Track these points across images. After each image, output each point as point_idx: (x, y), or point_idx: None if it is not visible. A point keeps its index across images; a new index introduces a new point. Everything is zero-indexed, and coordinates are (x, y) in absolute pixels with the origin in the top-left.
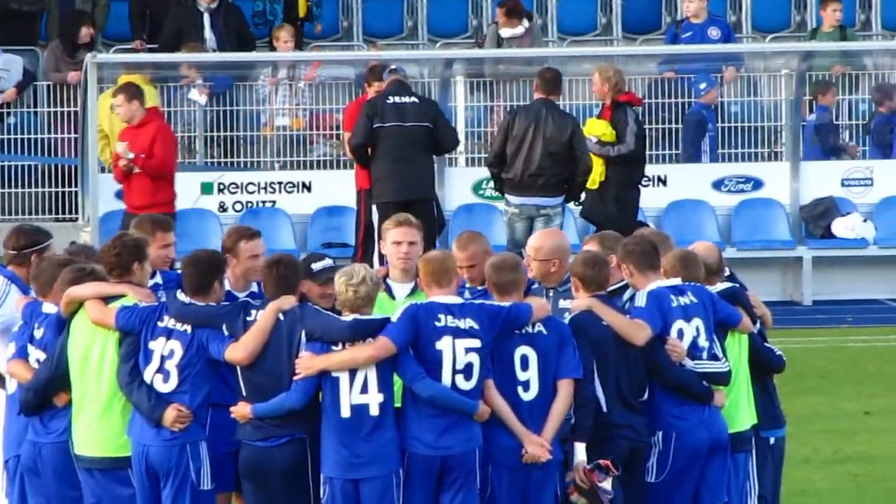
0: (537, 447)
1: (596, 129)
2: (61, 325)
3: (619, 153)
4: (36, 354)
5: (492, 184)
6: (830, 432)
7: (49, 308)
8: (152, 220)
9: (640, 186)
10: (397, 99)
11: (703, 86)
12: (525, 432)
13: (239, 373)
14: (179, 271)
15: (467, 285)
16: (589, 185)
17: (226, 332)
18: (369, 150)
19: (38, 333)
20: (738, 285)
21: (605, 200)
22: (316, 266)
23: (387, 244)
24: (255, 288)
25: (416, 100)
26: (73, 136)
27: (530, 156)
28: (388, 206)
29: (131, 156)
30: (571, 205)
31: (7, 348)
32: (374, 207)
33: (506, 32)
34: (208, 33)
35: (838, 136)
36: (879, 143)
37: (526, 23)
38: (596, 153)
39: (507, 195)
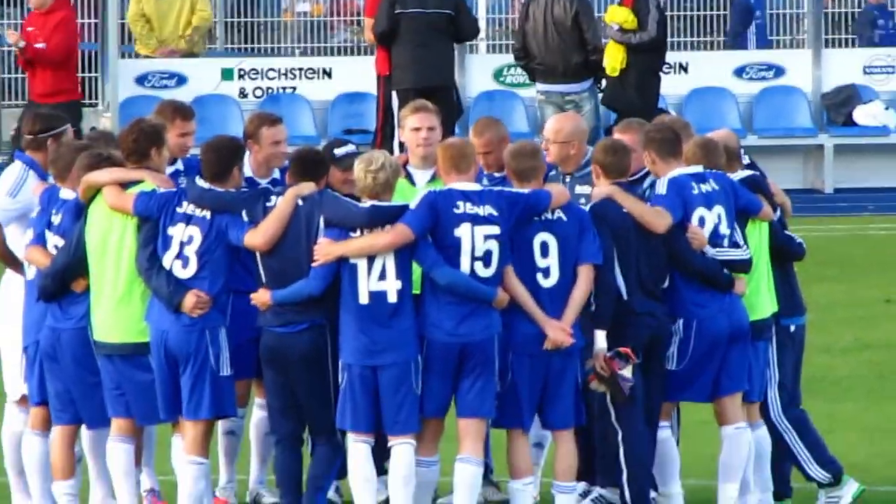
0: (558, 332)
1: (617, 16)
2: (79, 211)
3: (640, 40)
4: (54, 240)
5: (512, 70)
6: (851, 320)
7: (67, 194)
8: (174, 106)
9: (660, 74)
10: None
11: None
12: (545, 318)
13: (258, 258)
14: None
15: (485, 172)
16: (609, 72)
17: (245, 218)
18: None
19: (55, 219)
20: (758, 173)
21: (625, 87)
22: (339, 151)
23: (405, 131)
24: (276, 175)
25: None
26: (93, 21)
27: (546, 43)
28: (408, 92)
29: (22, 44)
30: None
31: (25, 234)
32: (393, 94)
33: None
34: None
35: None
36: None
37: None
38: (618, 40)
39: (536, 82)
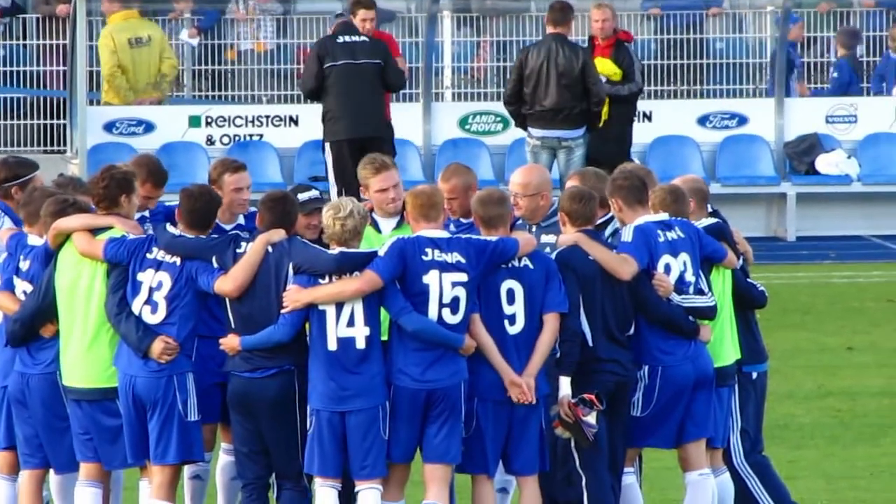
0: (516, 389)
1: (605, 69)
2: (48, 257)
3: (630, 91)
4: (22, 286)
5: (478, 117)
6: (813, 367)
7: (35, 240)
8: (148, 170)
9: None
10: (347, 38)
11: None
12: (507, 370)
13: (228, 305)
14: (167, 203)
15: (451, 218)
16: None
17: (215, 265)
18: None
19: (24, 265)
20: (722, 220)
21: (607, 139)
22: (302, 196)
23: (370, 192)
24: (241, 220)
25: (365, 38)
26: (61, 68)
27: (547, 91)
28: (341, 143)
29: None
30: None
31: None
32: (326, 146)
33: None
34: None
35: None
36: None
37: None
38: (607, 93)
39: (529, 128)
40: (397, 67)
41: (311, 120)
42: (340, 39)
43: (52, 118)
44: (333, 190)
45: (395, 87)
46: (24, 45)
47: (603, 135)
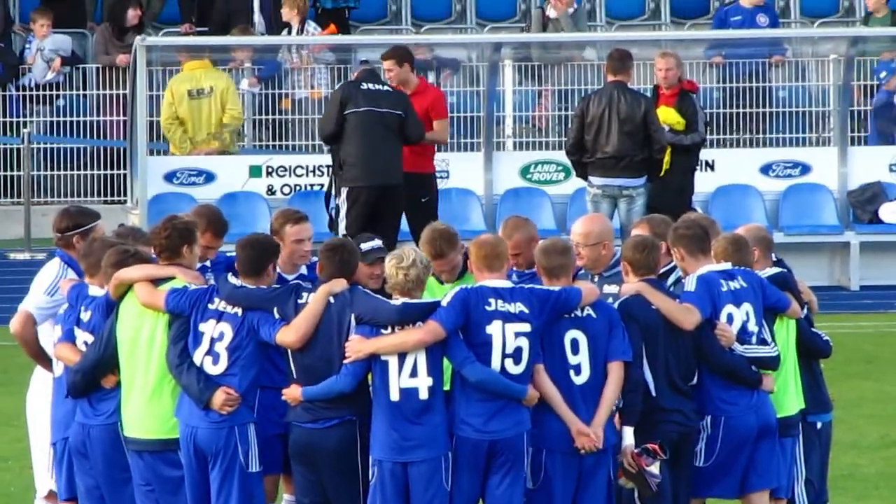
0: (585, 439)
1: (669, 118)
2: (109, 308)
3: (693, 142)
4: (83, 337)
5: (540, 166)
6: (878, 417)
7: (95, 291)
8: (208, 220)
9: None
10: (371, 86)
11: (883, 74)
12: (574, 420)
13: (290, 356)
14: (228, 254)
15: (514, 269)
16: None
17: (277, 315)
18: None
19: (84, 316)
20: (786, 270)
21: (668, 189)
22: (365, 246)
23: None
24: (303, 270)
25: (388, 88)
26: (121, 118)
27: (608, 139)
28: (361, 189)
29: None
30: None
31: (55, 331)
32: (343, 191)
33: (552, 13)
34: (257, 17)
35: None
36: (880, 129)
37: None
38: (669, 142)
39: (590, 177)
40: (417, 120)
41: None
42: (364, 86)
43: (112, 168)
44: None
45: (414, 139)
46: (85, 95)
47: (664, 184)
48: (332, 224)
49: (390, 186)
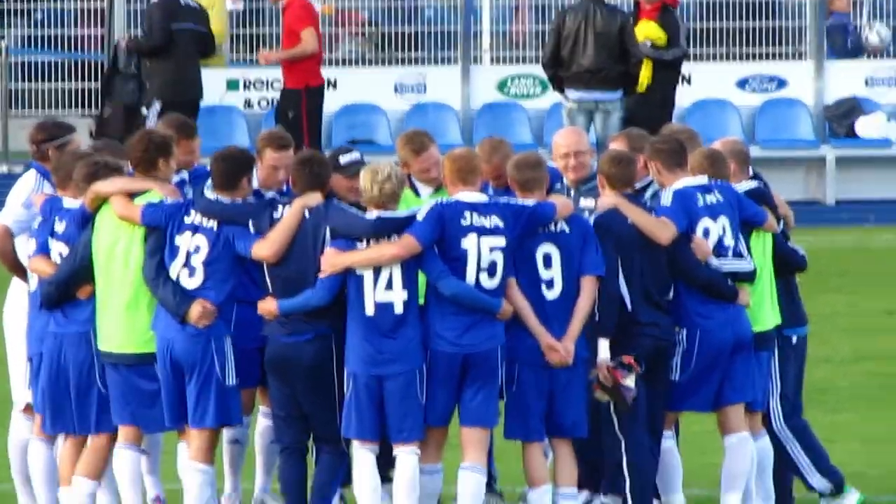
0: (554, 353)
1: (651, 33)
2: (85, 220)
3: (674, 56)
4: (58, 248)
5: (517, 81)
6: (852, 331)
7: (70, 202)
8: (176, 126)
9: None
10: (187, 2)
11: None
12: (544, 334)
13: (265, 269)
14: (207, 167)
15: (491, 188)
16: (637, 87)
17: (252, 229)
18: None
19: (59, 227)
20: (762, 184)
21: (650, 103)
22: (344, 159)
23: (412, 172)
24: (282, 187)
25: (196, 5)
26: (99, 31)
27: (585, 52)
28: (174, 105)
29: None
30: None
31: (29, 244)
32: (156, 103)
33: None
34: None
35: (853, 37)
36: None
37: None
38: (651, 56)
39: (566, 90)
40: (213, 37)
41: (349, 83)
42: (183, 2)
43: (89, 81)
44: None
45: (211, 53)
46: (62, 9)
47: (646, 99)
48: (111, 133)
49: (194, 101)
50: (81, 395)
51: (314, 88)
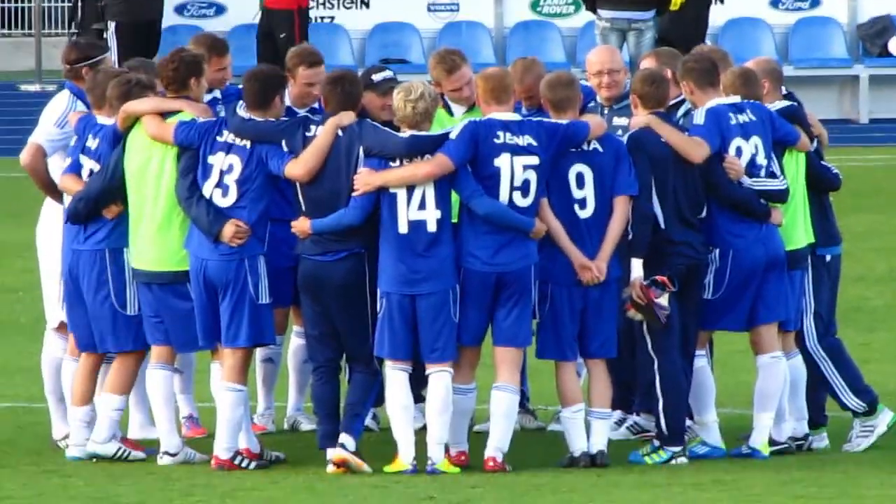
0: (587, 272)
1: None
2: (117, 138)
3: None
4: (89, 165)
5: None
6: (887, 250)
7: (104, 120)
8: (208, 44)
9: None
10: None
11: None
12: (576, 253)
13: (298, 188)
14: (239, 86)
15: (524, 107)
16: (672, 6)
17: (285, 148)
18: None
19: (91, 144)
20: (796, 103)
21: (685, 21)
22: (377, 77)
23: (444, 90)
24: (315, 104)
25: None
26: None
27: None
28: (127, 26)
29: None
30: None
31: (63, 162)
32: (112, 24)
33: None
34: None
35: None
36: None
37: None
38: None
39: (598, 10)
40: None
41: (382, 2)
42: None
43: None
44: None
45: None
46: None
47: (679, 18)
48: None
49: (152, 21)
50: (95, 314)
51: (305, 9)
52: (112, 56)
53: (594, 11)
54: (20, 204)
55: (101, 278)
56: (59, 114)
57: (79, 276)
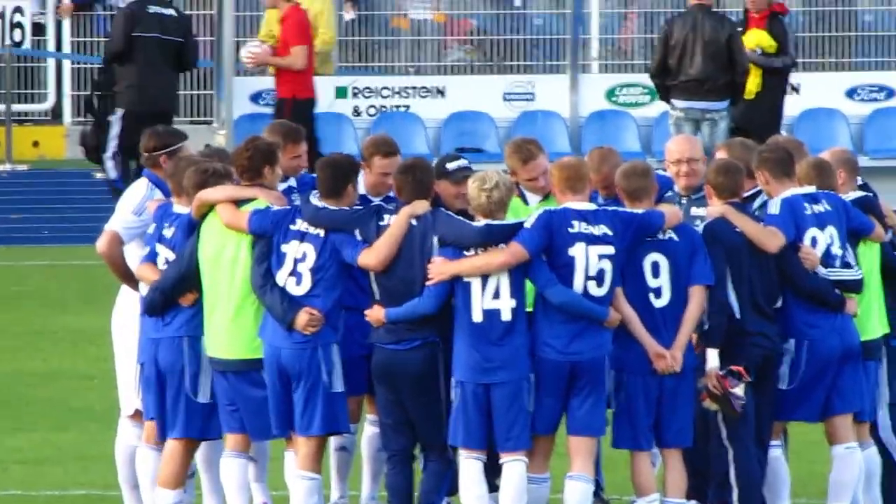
0: (662, 361)
1: (761, 41)
2: (192, 227)
3: (784, 64)
4: (165, 253)
5: (625, 89)
6: None
7: (181, 209)
8: (283, 131)
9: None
10: (158, 9)
11: None
12: (651, 342)
13: (372, 278)
14: (314, 175)
15: (600, 197)
16: (746, 95)
17: (358, 237)
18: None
19: (167, 233)
20: (871, 194)
21: (758, 111)
22: (451, 165)
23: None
24: (390, 193)
25: (174, 13)
26: (208, 38)
27: (692, 62)
28: (134, 114)
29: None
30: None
31: (141, 251)
32: (118, 112)
33: None
34: None
35: None
36: None
37: None
38: (761, 64)
39: (672, 100)
40: (195, 44)
41: (457, 91)
42: (151, 10)
43: (199, 88)
44: (111, 152)
45: (190, 66)
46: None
47: (755, 107)
48: (91, 146)
49: (163, 113)
50: (172, 400)
51: (301, 101)
52: (112, 143)
53: (668, 101)
54: (95, 291)
55: (179, 366)
56: (136, 201)
57: (156, 364)
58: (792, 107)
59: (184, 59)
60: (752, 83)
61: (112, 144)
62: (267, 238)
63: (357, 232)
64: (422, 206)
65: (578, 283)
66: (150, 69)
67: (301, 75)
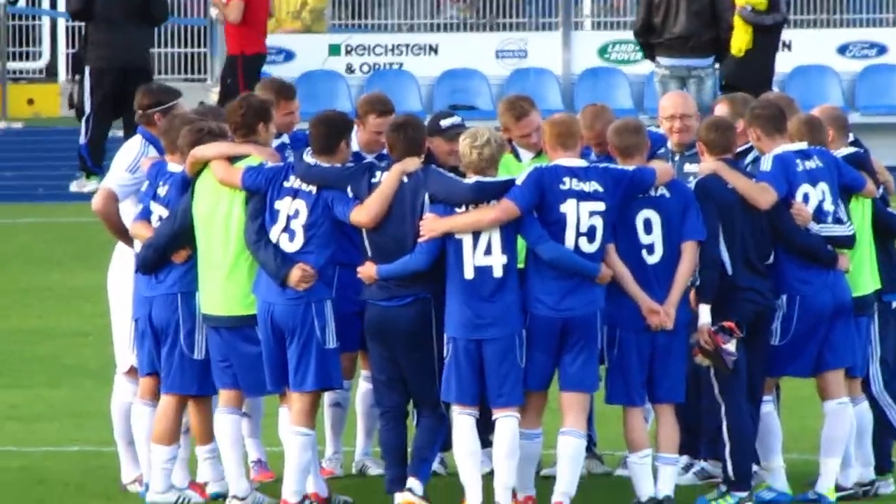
0: (655, 317)
1: None
2: (185, 184)
3: (775, 21)
4: (159, 211)
5: (617, 46)
6: None
7: (174, 167)
8: (276, 87)
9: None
10: None
11: None
12: (644, 298)
13: (364, 234)
14: (307, 131)
15: (593, 153)
16: (735, 52)
17: (350, 194)
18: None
19: (161, 191)
20: (862, 150)
21: (751, 67)
22: (444, 122)
23: (513, 137)
24: (383, 150)
25: None
26: None
27: (676, 19)
28: (103, 71)
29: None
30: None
31: (135, 208)
32: (86, 70)
33: None
34: None
35: None
36: None
37: None
38: (751, 21)
39: (657, 58)
40: (162, 1)
41: (450, 48)
42: None
43: (193, 46)
44: (87, 113)
45: (158, 20)
46: None
47: (746, 64)
48: (78, 106)
49: (137, 69)
50: (166, 356)
51: (250, 56)
52: (87, 103)
53: (653, 59)
54: (90, 248)
55: (172, 322)
56: (130, 159)
57: (150, 320)
58: (783, 64)
59: (151, 14)
60: (743, 41)
61: (87, 104)
62: (260, 195)
63: (349, 189)
64: (413, 164)
65: (570, 239)
66: (110, 25)
67: (247, 30)
